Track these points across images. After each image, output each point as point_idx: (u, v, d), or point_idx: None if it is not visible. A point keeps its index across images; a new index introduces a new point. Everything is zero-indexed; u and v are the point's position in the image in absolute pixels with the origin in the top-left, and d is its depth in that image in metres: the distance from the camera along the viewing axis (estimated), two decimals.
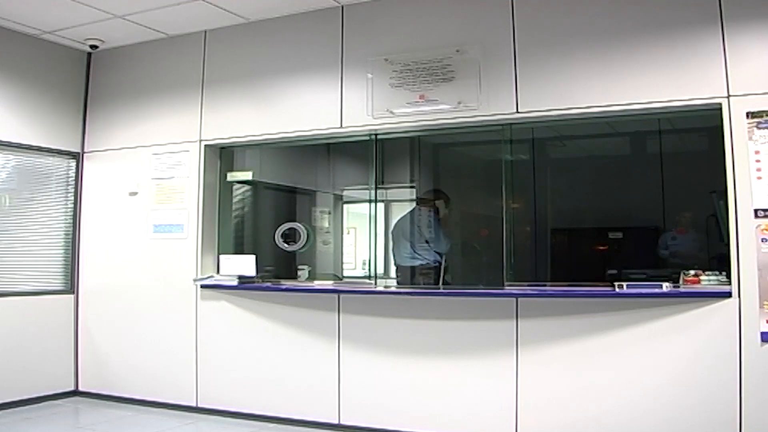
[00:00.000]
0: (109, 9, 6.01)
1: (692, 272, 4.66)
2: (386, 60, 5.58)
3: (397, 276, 6.74)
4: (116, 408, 6.49)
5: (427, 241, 6.46)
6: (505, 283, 5.13)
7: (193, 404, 6.27)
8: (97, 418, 6.17)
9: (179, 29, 6.51)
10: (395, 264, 6.76)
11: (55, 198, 6.94)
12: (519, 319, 5.01)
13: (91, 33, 6.60)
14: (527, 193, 6.69)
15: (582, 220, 6.64)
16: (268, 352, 5.95)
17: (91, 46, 6.92)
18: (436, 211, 6.66)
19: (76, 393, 6.91)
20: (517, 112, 5.12)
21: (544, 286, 5.29)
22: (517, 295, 5.01)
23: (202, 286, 6.24)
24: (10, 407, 6.33)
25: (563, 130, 5.99)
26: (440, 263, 6.41)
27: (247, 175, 6.58)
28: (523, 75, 5.12)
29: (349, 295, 5.66)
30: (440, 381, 5.26)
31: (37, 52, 6.74)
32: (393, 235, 6.87)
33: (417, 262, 6.53)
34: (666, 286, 4.55)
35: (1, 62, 6.45)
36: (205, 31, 6.49)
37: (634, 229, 6.22)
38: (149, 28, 6.45)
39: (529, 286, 5.16)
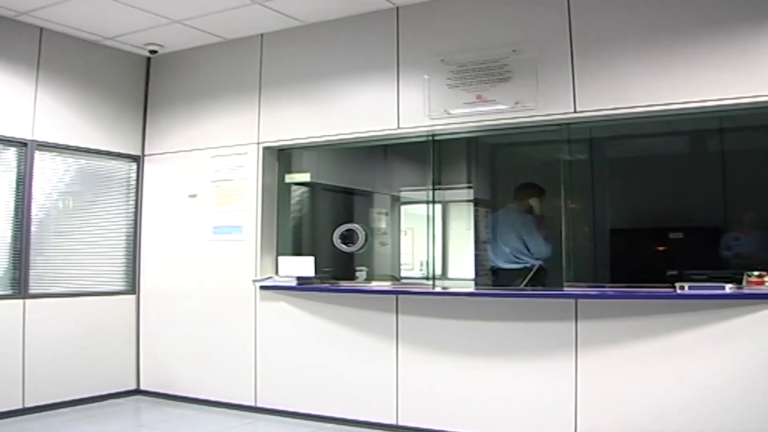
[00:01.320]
0: (167, 14, 6.16)
1: (756, 273, 4.57)
2: (442, 61, 5.62)
3: (492, 277, 6.60)
4: (176, 407, 6.64)
5: (526, 246, 6.31)
6: (564, 284, 5.12)
7: (252, 404, 6.38)
8: (157, 417, 6.33)
9: (236, 33, 6.63)
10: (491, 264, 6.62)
11: (116, 200, 7.15)
12: (578, 321, 5.00)
13: (150, 38, 6.78)
14: (585, 193, 6.62)
15: (641, 221, 6.55)
16: (327, 352, 6.02)
17: (151, 51, 7.10)
18: (530, 210, 6.43)
19: (137, 392, 7.10)
20: (575, 111, 5.10)
21: (604, 287, 5.23)
22: (576, 296, 4.99)
23: (261, 287, 6.35)
24: (75, 405, 6.55)
25: (622, 129, 5.93)
26: (533, 265, 6.19)
27: (305, 177, 6.68)
28: (580, 74, 5.10)
29: (407, 296, 5.69)
30: (499, 382, 5.26)
31: (98, 58, 6.96)
32: (489, 234, 6.75)
33: (508, 265, 6.36)
34: (729, 288, 4.49)
35: (64, 68, 6.66)
36: (262, 35, 6.60)
37: (694, 229, 6.12)
38: (207, 32, 6.59)
39: (588, 287, 5.14)
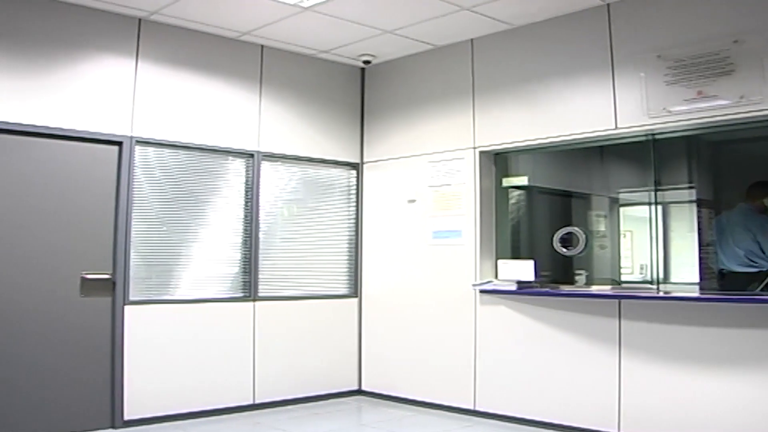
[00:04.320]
0: (379, 25, 6.51)
1: None
2: (659, 57, 5.53)
3: (720, 280, 6.39)
4: (396, 408, 6.97)
5: (761, 248, 6.04)
6: None
7: (471, 407, 6.56)
8: (378, 417, 6.66)
9: (446, 39, 6.87)
10: (720, 266, 6.43)
11: (338, 207, 7.64)
12: None
13: (363, 49, 7.17)
14: None
15: None
16: (547, 357, 6.08)
17: (364, 62, 7.53)
18: (764, 210, 6.18)
19: (359, 392, 7.54)
20: None
21: None
22: None
23: (481, 291, 6.51)
24: (300, 402, 7.08)
25: None
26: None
27: (523, 180, 6.76)
28: None
29: (630, 300, 5.65)
30: (730, 392, 5.06)
31: (315, 71, 7.49)
32: (717, 235, 6.54)
33: (741, 268, 6.12)
34: None
35: (284, 82, 7.26)
36: (472, 40, 6.80)
37: None
38: (417, 40, 6.88)
39: None
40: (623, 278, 7.31)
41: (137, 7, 6.03)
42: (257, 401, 6.79)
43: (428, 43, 6.96)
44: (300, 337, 7.15)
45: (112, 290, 6.03)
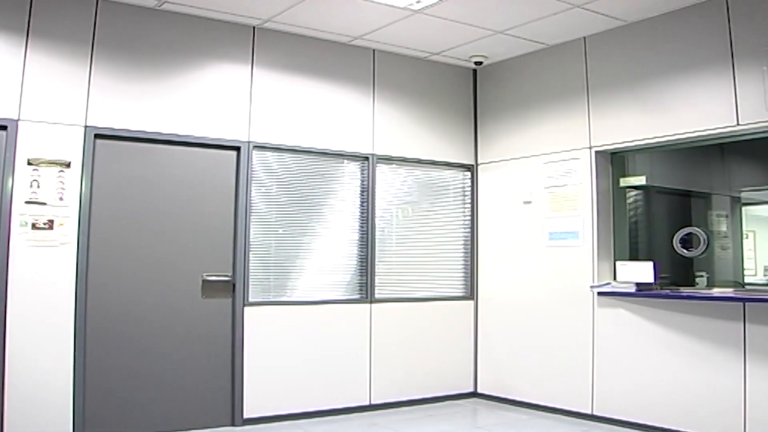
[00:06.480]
0: (490, 26, 6.52)
1: None
2: None
3: None
4: (511, 411, 6.95)
5: None
6: None
7: (588, 411, 6.48)
8: (493, 420, 6.65)
9: (558, 38, 6.82)
10: None
11: (452, 209, 7.67)
12: None
13: (474, 50, 7.19)
14: None
15: None
16: (666, 361, 5.93)
17: (476, 63, 7.53)
18: None
19: (474, 395, 7.55)
20: None
21: None
22: None
23: (599, 293, 6.40)
24: (416, 404, 7.13)
25: None
26: None
27: (641, 180, 6.62)
28: None
29: (755, 303, 5.40)
30: None
31: (427, 73, 7.55)
32: None
33: None
34: None
35: (397, 85, 7.35)
36: (584, 38, 6.70)
37: None
38: (529, 39, 6.85)
39: None
40: (746, 280, 7.06)
41: (252, 16, 6.24)
42: (373, 402, 6.89)
43: (540, 43, 6.92)
44: (416, 338, 7.21)
45: (231, 292, 6.24)
